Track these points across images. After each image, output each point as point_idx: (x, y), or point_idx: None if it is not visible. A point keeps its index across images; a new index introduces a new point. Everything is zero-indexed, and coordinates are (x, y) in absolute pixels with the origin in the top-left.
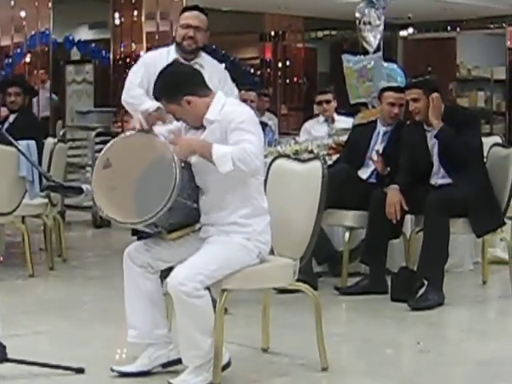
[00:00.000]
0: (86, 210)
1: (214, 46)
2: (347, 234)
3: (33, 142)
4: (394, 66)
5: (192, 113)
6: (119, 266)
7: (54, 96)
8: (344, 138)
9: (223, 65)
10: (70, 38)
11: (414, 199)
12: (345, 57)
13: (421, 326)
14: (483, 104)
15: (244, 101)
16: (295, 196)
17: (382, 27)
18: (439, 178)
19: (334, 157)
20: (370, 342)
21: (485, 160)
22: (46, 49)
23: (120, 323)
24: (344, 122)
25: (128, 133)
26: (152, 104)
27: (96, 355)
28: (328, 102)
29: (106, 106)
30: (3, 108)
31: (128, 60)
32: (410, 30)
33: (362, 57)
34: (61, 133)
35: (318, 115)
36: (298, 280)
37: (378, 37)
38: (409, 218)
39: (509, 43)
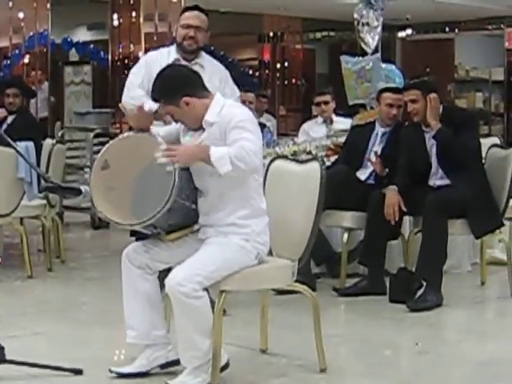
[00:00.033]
0: (85, 211)
1: (212, 47)
2: (346, 235)
3: (31, 144)
4: (393, 67)
5: (190, 114)
6: (117, 267)
7: (51, 98)
8: (342, 139)
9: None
10: (69, 39)
11: (413, 200)
12: (343, 58)
13: (419, 327)
14: (481, 105)
15: (242, 102)
16: (293, 197)
17: (380, 28)
18: (437, 179)
19: (333, 158)
20: (369, 343)
21: (483, 161)
22: (45, 50)
23: (118, 324)
24: (342, 123)
25: (126, 134)
26: (153, 105)
27: (94, 356)
28: (326, 103)
29: (104, 107)
30: (1, 109)
31: (126, 61)
32: (409, 31)
33: (360, 58)
34: (59, 134)
35: (316, 116)
36: (296, 281)
37: (377, 38)
38: (407, 219)
39: (507, 44)
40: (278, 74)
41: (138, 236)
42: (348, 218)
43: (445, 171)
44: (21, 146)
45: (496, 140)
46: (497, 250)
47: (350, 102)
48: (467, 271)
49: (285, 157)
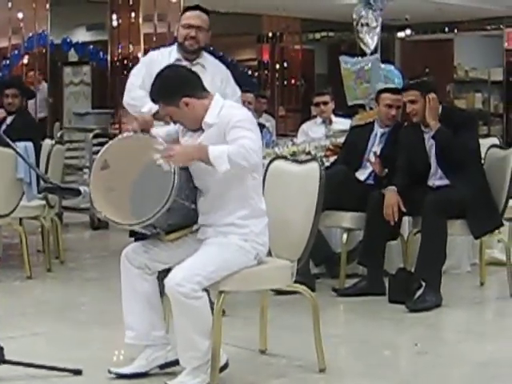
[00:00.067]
0: (84, 211)
1: (211, 48)
2: (345, 236)
3: (30, 144)
4: (392, 67)
5: (190, 115)
6: (117, 267)
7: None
8: (341, 139)
9: None
10: (68, 39)
11: (412, 200)
12: (342, 58)
13: (418, 328)
14: (481, 105)
15: (241, 102)
16: (293, 197)
17: (379, 29)
18: (437, 179)
19: (332, 158)
20: (368, 343)
21: (482, 161)
22: (44, 50)
23: (117, 325)
24: (341, 124)
25: (126, 134)
26: (154, 106)
27: (93, 357)
28: (325, 103)
29: (103, 108)
30: (0, 110)
31: (125, 62)
32: (408, 32)
33: (359, 58)
34: (58, 134)
35: (315, 117)
36: (295, 281)
37: (376, 38)
38: (406, 219)
39: (506, 44)
40: (277, 75)
41: (137, 236)
42: (347, 219)
43: (444, 171)
44: (20, 146)
45: (495, 140)
46: (496, 250)
47: (349, 103)
48: (466, 271)
49: (284, 157)
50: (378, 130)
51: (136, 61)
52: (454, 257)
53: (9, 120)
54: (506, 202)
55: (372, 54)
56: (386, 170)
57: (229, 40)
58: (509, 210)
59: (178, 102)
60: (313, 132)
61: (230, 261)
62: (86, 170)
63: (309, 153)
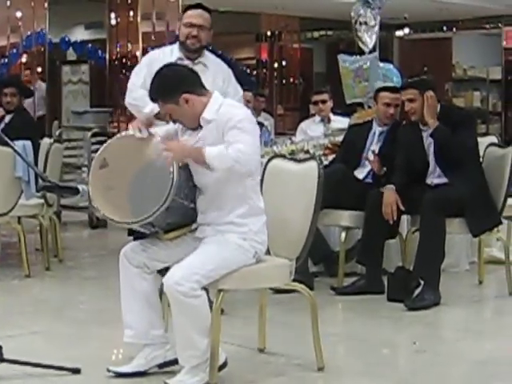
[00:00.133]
0: (82, 210)
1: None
2: (343, 234)
3: (29, 143)
4: (390, 66)
5: (189, 112)
6: (115, 266)
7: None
8: (340, 138)
9: None
10: (66, 38)
11: (410, 199)
12: (341, 57)
13: (417, 326)
14: (479, 104)
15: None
16: (291, 196)
17: (377, 27)
18: (435, 177)
19: (330, 157)
20: (367, 341)
21: (481, 160)
22: (42, 49)
23: (116, 323)
24: (340, 122)
25: (124, 133)
26: (156, 106)
27: (92, 355)
28: (324, 102)
29: (101, 107)
30: None
31: (124, 60)
32: (406, 30)
33: (358, 57)
34: (57, 133)
35: (314, 115)
36: (294, 280)
37: (374, 37)
38: (405, 217)
39: (504, 43)
40: (275, 73)
41: (136, 235)
42: (346, 217)
43: (442, 170)
44: (18, 145)
45: (494, 139)
46: (495, 248)
47: (348, 101)
48: (465, 270)
49: (282, 156)
50: (377, 129)
51: (134, 59)
52: (452, 255)
53: (7, 119)
54: (505, 200)
55: (370, 52)
56: (385, 169)
57: (227, 38)
58: (507, 209)
59: (178, 98)
60: (311, 130)
61: (229, 259)
62: (84, 169)
63: (307, 151)
